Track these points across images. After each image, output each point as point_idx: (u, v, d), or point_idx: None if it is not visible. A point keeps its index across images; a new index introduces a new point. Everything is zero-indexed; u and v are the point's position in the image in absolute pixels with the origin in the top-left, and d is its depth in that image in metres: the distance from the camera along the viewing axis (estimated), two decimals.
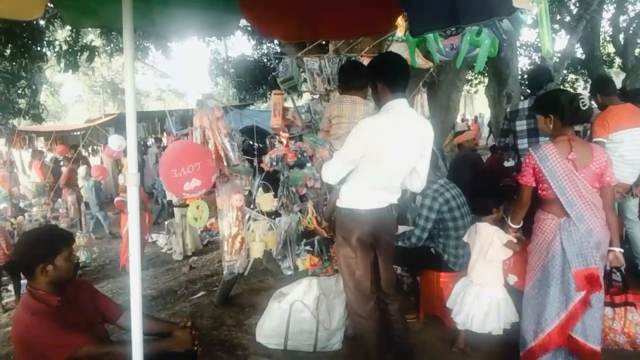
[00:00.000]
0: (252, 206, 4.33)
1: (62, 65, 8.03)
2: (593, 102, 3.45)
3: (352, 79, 3.59)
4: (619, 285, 3.08)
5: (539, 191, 2.92)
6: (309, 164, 4.37)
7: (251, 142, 5.14)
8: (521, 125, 4.47)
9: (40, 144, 11.69)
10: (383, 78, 2.77)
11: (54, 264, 2.23)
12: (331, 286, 3.80)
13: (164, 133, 13.45)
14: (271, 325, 3.70)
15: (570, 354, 2.88)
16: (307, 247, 4.32)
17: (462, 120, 22.73)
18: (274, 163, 4.15)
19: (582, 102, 2.77)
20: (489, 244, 3.20)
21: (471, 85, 20.46)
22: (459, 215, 3.72)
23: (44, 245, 2.24)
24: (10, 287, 6.11)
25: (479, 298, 3.23)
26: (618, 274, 3.04)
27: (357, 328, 3.11)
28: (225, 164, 3.56)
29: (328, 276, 3.98)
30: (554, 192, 2.80)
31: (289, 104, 5.19)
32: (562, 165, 2.77)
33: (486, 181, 5.74)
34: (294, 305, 3.63)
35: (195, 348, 2.45)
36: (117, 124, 11.44)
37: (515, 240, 3.20)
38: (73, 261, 2.34)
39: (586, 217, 2.75)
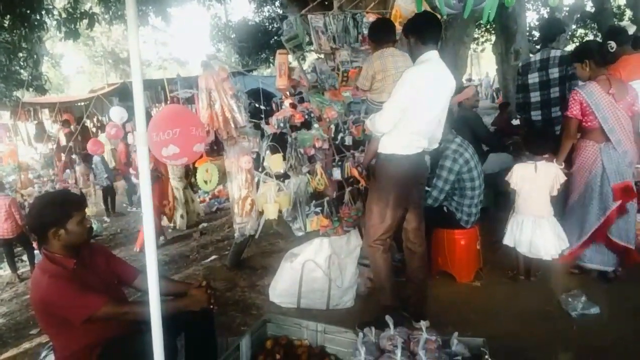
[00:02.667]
0: (260, 169, 4.31)
1: (62, 33, 7.89)
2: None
3: (384, 35, 3.62)
4: None
5: (583, 123, 3.47)
6: (316, 125, 4.32)
7: (257, 105, 5.08)
8: (533, 78, 4.38)
9: (44, 115, 11.65)
10: (416, 32, 2.98)
11: (66, 228, 2.24)
12: (342, 245, 3.81)
13: (167, 102, 13.34)
14: (284, 285, 3.74)
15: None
16: (317, 209, 4.33)
17: (469, 80, 22.33)
18: (281, 124, 4.10)
19: (610, 46, 3.62)
20: (553, 179, 3.52)
21: (478, 44, 20.01)
22: (476, 175, 3.76)
23: (56, 208, 2.24)
24: (25, 257, 6.20)
25: (540, 227, 3.55)
26: None
27: (370, 254, 3.24)
28: (232, 125, 3.52)
29: (339, 236, 3.99)
30: (598, 122, 3.39)
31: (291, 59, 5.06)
32: (605, 99, 3.37)
33: (493, 138, 5.67)
34: (306, 265, 3.65)
35: (211, 306, 2.47)
36: (121, 93, 11.34)
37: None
38: (86, 225, 2.34)
39: (623, 141, 3.40)
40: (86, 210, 2.42)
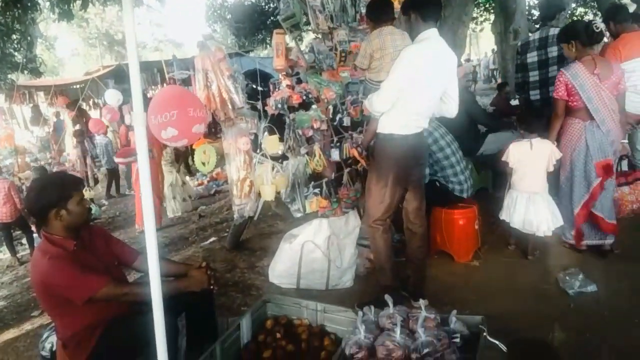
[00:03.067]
0: (258, 150, 4.29)
1: (55, 15, 7.78)
2: (603, 25, 3.86)
3: (382, 13, 3.56)
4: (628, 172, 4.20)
5: (569, 103, 3.55)
6: (314, 106, 4.29)
7: (254, 86, 5.04)
8: (532, 57, 4.35)
9: (40, 99, 11.55)
10: (416, 8, 2.95)
11: (67, 208, 2.24)
12: (341, 226, 3.82)
13: (164, 84, 13.23)
14: (283, 266, 3.76)
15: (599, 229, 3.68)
16: (315, 190, 4.33)
17: (467, 60, 22.15)
18: (279, 105, 4.07)
19: (595, 26, 3.45)
20: (548, 155, 3.60)
21: (477, 24, 19.83)
22: (450, 152, 3.92)
23: (56, 189, 2.24)
24: (24, 240, 6.22)
25: (534, 203, 3.63)
26: (626, 161, 4.27)
27: (370, 234, 3.27)
28: (230, 107, 3.49)
29: (338, 217, 4.00)
30: (583, 102, 3.47)
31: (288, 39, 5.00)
32: (590, 79, 3.42)
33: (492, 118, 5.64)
34: (305, 246, 3.67)
35: (211, 287, 2.48)
36: (116, 76, 11.23)
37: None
38: (85, 206, 2.35)
39: (607, 121, 3.49)
40: (84, 192, 2.41)
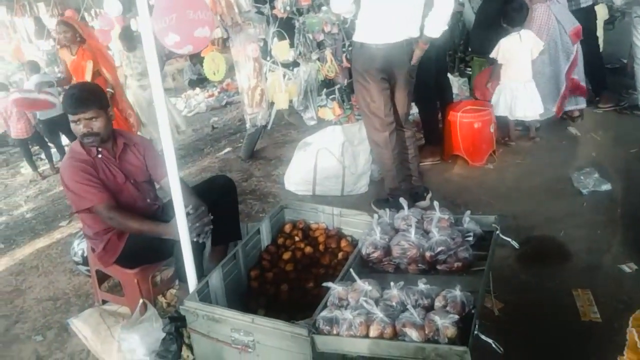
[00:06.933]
0: (268, 57, 4.18)
1: None
2: None
3: None
4: None
5: None
6: (324, 8, 4.10)
7: None
8: None
9: (41, 10, 11.14)
10: None
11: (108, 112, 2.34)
12: (355, 133, 3.80)
13: None
14: (299, 173, 3.81)
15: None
16: (332, 96, 4.26)
17: None
18: (287, 8, 3.89)
19: None
20: (533, 43, 3.84)
21: None
22: None
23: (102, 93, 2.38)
24: (43, 155, 6.34)
25: (522, 90, 3.89)
26: None
27: (375, 154, 3.31)
28: (236, 10, 3.36)
29: (351, 124, 3.98)
30: None
31: None
32: None
33: None
34: (320, 153, 3.68)
35: (196, 239, 2.14)
36: None
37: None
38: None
39: None
40: None
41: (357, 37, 2.93)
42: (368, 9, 2.79)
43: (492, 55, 3.95)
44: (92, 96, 2.29)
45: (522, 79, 3.90)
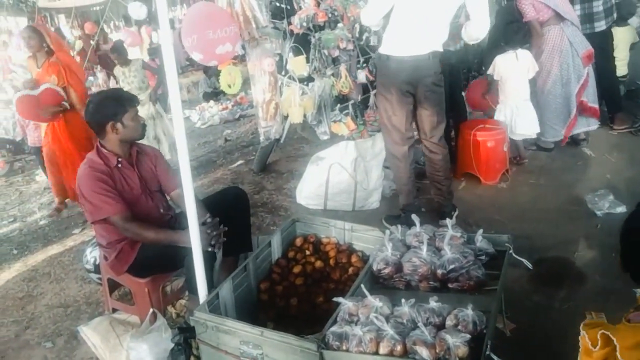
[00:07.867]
0: (283, 72, 4.22)
1: None
2: None
3: None
4: None
5: (540, 18, 3.96)
6: (340, 24, 4.14)
7: (278, 4, 4.85)
8: None
9: (62, 22, 11.41)
10: None
11: (123, 122, 2.34)
12: (367, 148, 3.81)
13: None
14: (311, 187, 3.81)
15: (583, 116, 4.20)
16: (344, 112, 4.28)
17: None
18: (304, 24, 3.94)
19: None
20: (529, 63, 3.91)
21: None
22: None
23: (113, 103, 2.34)
24: None
25: (519, 109, 3.95)
26: None
27: (392, 167, 3.33)
28: (253, 25, 3.41)
29: (364, 139, 3.98)
30: (552, 10, 3.93)
31: None
32: None
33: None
34: (332, 168, 3.69)
35: (210, 249, 2.18)
36: None
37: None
38: (139, 121, 2.44)
39: (574, 18, 4.03)
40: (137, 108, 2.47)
41: (383, 50, 2.95)
42: (398, 22, 2.81)
43: (489, 71, 4.03)
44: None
45: (519, 97, 3.95)
